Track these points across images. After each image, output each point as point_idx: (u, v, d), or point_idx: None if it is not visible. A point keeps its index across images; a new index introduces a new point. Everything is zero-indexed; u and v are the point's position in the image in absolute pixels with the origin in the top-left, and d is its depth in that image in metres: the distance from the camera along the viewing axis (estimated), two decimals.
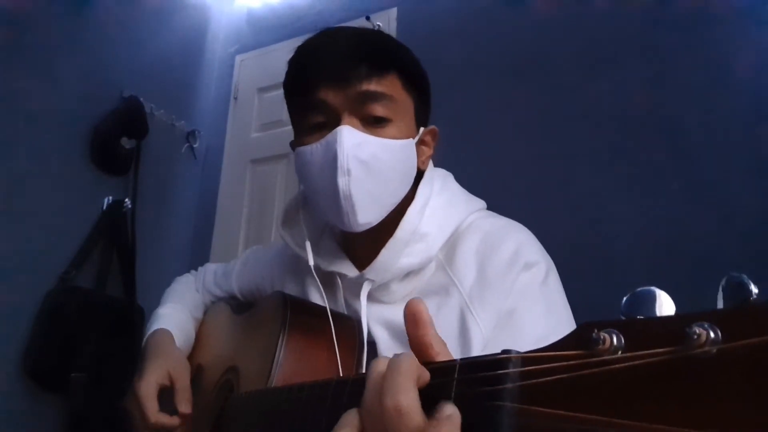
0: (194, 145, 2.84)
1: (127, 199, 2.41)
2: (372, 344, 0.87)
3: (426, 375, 0.40)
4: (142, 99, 2.50)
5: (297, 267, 1.04)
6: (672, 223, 1.76)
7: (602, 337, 0.28)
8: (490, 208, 0.98)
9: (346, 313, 0.93)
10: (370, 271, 0.87)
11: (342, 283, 0.93)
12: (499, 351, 0.36)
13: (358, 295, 0.89)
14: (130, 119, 2.45)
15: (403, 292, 0.89)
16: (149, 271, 2.44)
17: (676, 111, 1.87)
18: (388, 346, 0.86)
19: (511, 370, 0.33)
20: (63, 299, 2.11)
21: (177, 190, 2.79)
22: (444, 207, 0.91)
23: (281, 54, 2.73)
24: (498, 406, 0.32)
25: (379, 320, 0.88)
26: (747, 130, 1.74)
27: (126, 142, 2.43)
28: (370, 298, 0.89)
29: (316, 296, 0.96)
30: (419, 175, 0.92)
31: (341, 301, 0.94)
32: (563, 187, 1.98)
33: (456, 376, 0.37)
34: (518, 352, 0.34)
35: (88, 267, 2.25)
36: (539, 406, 0.30)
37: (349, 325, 0.89)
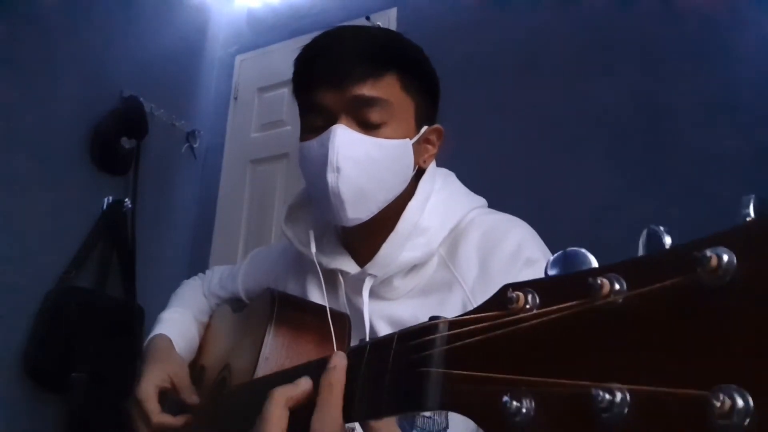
0: (194, 145, 2.84)
1: (127, 199, 2.41)
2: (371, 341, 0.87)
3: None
4: (142, 99, 2.50)
5: (299, 265, 1.04)
6: (670, 222, 1.74)
7: (516, 295, 0.28)
8: (488, 206, 0.98)
9: (348, 310, 0.92)
10: (372, 267, 0.87)
11: (344, 280, 0.93)
12: None
13: (360, 292, 0.89)
14: (130, 119, 2.45)
15: (405, 287, 0.89)
16: (149, 271, 2.44)
17: (674, 110, 1.86)
18: None
19: (438, 335, 0.33)
20: (63, 299, 2.11)
21: (177, 190, 2.80)
22: (445, 202, 0.91)
23: (281, 54, 2.75)
24: (425, 372, 0.32)
25: (383, 317, 0.88)
26: (743, 129, 1.73)
27: (126, 142, 2.43)
28: (373, 294, 0.89)
29: (317, 293, 0.96)
30: (422, 173, 0.92)
31: (342, 298, 0.93)
32: (561, 186, 1.98)
33: (394, 346, 0.37)
34: (445, 318, 0.33)
35: (88, 267, 2.26)
36: (461, 369, 0.30)
37: (341, 319, 0.88)
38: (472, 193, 0.97)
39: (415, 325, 0.36)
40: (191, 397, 0.96)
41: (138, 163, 2.50)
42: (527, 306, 0.28)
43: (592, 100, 2.02)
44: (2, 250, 2.00)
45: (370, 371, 0.41)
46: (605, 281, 0.24)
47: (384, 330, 0.87)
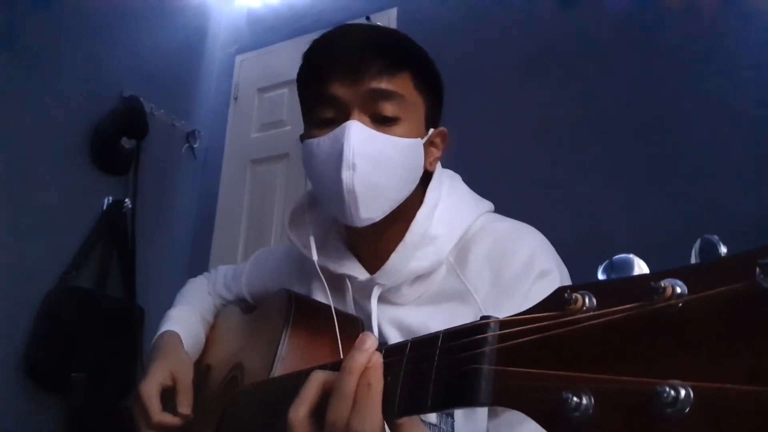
0: (194, 145, 2.84)
1: (127, 199, 2.42)
2: (384, 345, 0.87)
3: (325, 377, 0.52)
4: (142, 99, 2.51)
5: (303, 268, 1.04)
6: (671, 222, 1.76)
7: (574, 297, 0.29)
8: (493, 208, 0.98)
9: (354, 313, 0.92)
10: (381, 276, 0.87)
11: (351, 285, 0.93)
12: None
13: (368, 297, 0.89)
14: (130, 119, 2.45)
15: (414, 294, 0.89)
16: (149, 271, 2.45)
17: (676, 110, 1.87)
18: None
19: (489, 334, 0.34)
20: (63, 299, 2.11)
21: (177, 190, 2.80)
22: (453, 209, 0.91)
23: (281, 54, 2.75)
24: (476, 369, 0.33)
25: (391, 321, 0.88)
26: (744, 128, 1.74)
27: (126, 142, 2.43)
28: (381, 299, 0.89)
29: (321, 297, 0.96)
30: (427, 176, 0.91)
31: (350, 302, 0.93)
32: (562, 187, 1.99)
33: (439, 345, 0.38)
34: (497, 318, 0.34)
35: (88, 267, 2.26)
36: (515, 367, 0.31)
37: (353, 322, 0.89)
38: (479, 198, 0.96)
39: (462, 325, 0.37)
40: (184, 405, 0.94)
41: (138, 163, 2.51)
42: (585, 307, 0.29)
43: (593, 100, 2.03)
44: (2, 251, 2.00)
45: (412, 368, 0.42)
46: (668, 285, 0.25)
47: (392, 335, 0.87)
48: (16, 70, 2.12)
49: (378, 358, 0.47)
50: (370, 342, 0.49)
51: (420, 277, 0.88)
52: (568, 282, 0.85)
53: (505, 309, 0.79)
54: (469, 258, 0.87)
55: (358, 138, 0.80)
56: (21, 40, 2.14)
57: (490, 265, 0.85)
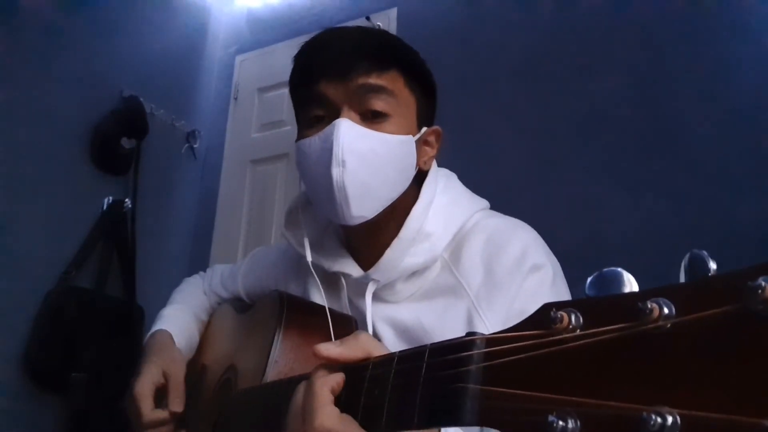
0: (194, 145, 2.84)
1: (127, 199, 2.41)
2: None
3: (339, 378, 0.49)
4: (142, 99, 2.50)
5: (299, 267, 1.04)
6: (671, 223, 1.75)
7: (560, 315, 0.28)
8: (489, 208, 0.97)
9: (349, 312, 0.92)
10: (375, 272, 0.87)
11: (346, 282, 0.93)
12: None
13: (362, 295, 0.89)
14: (130, 119, 2.45)
15: (408, 291, 0.89)
16: (149, 271, 2.44)
17: (676, 110, 1.86)
18: (393, 345, 0.85)
19: (475, 351, 0.33)
20: (63, 299, 2.11)
21: (177, 190, 2.79)
22: (448, 206, 0.91)
23: (281, 54, 2.75)
24: (462, 388, 0.32)
25: (385, 319, 0.88)
26: (745, 129, 1.73)
27: (126, 142, 2.42)
28: (375, 297, 0.89)
29: (317, 296, 0.96)
30: (422, 175, 0.91)
31: (345, 300, 0.93)
32: (562, 187, 1.98)
33: (426, 359, 0.37)
34: (482, 334, 0.34)
35: (88, 267, 2.25)
36: (501, 387, 0.30)
37: (347, 322, 0.89)
38: (474, 195, 0.97)
39: (449, 340, 0.36)
40: (176, 402, 0.94)
41: (138, 163, 2.50)
42: (571, 326, 0.28)
43: (592, 102, 2.02)
44: (2, 250, 2.00)
45: (399, 383, 0.41)
46: (655, 306, 0.25)
47: (386, 333, 0.87)
48: (16, 70, 2.12)
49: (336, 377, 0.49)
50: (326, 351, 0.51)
51: (414, 274, 0.88)
52: (560, 276, 0.86)
53: (498, 303, 0.81)
54: (462, 254, 0.87)
55: (348, 135, 0.80)
56: (21, 40, 2.14)
57: (482, 260, 0.85)
